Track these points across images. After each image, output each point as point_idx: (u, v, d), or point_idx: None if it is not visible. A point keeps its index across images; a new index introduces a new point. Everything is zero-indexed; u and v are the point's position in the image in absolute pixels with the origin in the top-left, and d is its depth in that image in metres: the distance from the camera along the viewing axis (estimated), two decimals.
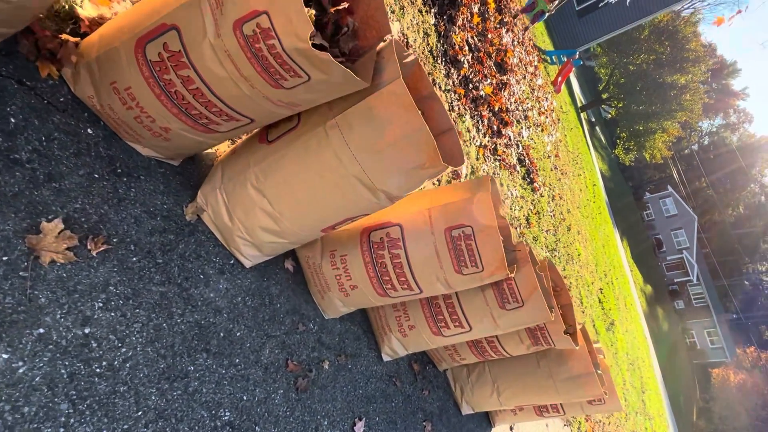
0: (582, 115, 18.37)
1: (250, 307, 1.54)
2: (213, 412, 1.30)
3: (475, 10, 4.14)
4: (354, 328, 2.00)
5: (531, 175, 5.08)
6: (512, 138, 4.75)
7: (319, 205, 1.32)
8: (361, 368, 1.97)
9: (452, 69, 3.61)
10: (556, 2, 6.76)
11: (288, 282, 1.73)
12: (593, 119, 26.99)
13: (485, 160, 3.92)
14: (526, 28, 5.71)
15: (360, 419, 1.84)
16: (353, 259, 1.63)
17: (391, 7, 2.97)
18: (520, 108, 5.36)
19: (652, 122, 20.30)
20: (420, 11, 3.37)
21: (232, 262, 1.53)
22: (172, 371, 1.24)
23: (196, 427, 1.24)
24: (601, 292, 7.57)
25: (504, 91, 4.65)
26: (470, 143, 3.70)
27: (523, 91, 5.78)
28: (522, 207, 4.58)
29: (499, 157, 4.23)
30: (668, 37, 19.40)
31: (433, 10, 3.53)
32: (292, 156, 1.27)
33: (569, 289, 5.62)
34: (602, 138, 29.68)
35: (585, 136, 14.61)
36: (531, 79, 6.55)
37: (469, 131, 3.72)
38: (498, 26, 4.95)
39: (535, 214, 4.98)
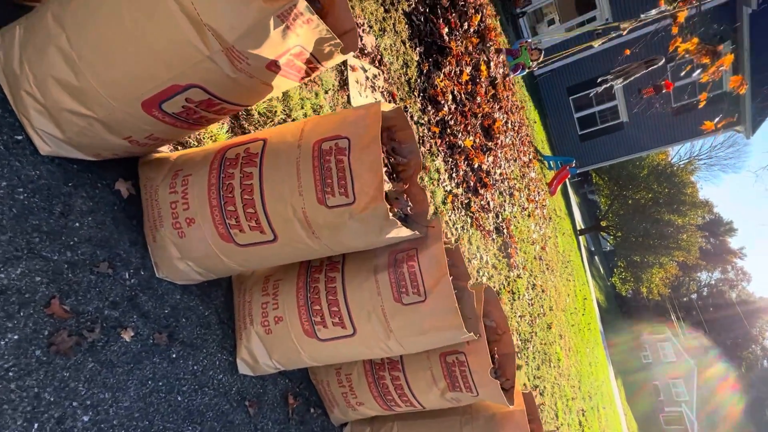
0: (581, 240, 18.43)
1: (20, 202, 1.06)
2: None
3: (467, 70, 4.17)
4: (203, 310, 1.46)
5: (508, 250, 4.66)
6: (491, 204, 4.45)
7: (129, 46, 0.94)
8: (195, 367, 1.38)
9: (429, 106, 3.46)
10: (538, 60, 6.91)
11: (112, 208, 1.27)
12: (593, 248, 27.11)
13: (454, 209, 3.56)
14: (506, 76, 5.74)
15: None
16: (197, 179, 1.19)
17: (369, 21, 2.91)
18: (505, 182, 5.16)
19: (650, 255, 20.22)
20: (404, 42, 3.33)
21: (19, 138, 1.10)
22: None
23: None
24: (583, 415, 6.55)
25: (488, 156, 4.48)
26: (438, 184, 3.38)
27: (511, 171, 5.65)
28: (492, 277, 4.08)
29: (472, 214, 3.87)
30: (666, 178, 20.28)
31: (419, 49, 3.51)
32: None
33: (542, 393, 4.81)
34: (600, 268, 29.44)
35: (582, 260, 14.32)
36: (522, 166, 6.49)
37: (438, 172, 3.43)
38: (490, 100, 4.99)
39: (509, 292, 4.44)
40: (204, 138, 1.63)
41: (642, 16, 4.27)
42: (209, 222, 1.17)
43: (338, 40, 1.01)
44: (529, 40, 6.51)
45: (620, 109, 13.32)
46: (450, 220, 3.47)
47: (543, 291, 5.90)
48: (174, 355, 1.32)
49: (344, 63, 2.52)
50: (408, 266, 1.28)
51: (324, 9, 1.19)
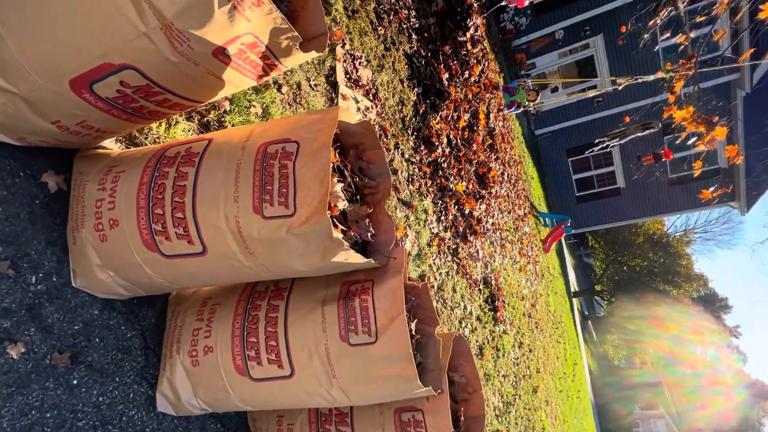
0: (575, 302, 18.03)
1: None
2: None
3: (464, 116, 4.17)
4: (126, 331, 1.26)
5: (495, 303, 4.44)
6: (480, 253, 4.29)
7: (56, 14, 0.84)
8: (100, 398, 1.16)
9: (423, 146, 3.40)
10: (534, 101, 6.96)
11: (32, 201, 1.12)
12: (586, 312, 26.53)
13: (440, 253, 3.40)
14: (499, 110, 5.75)
15: None
16: (129, 176, 1.05)
17: (368, 55, 2.91)
18: (497, 233, 5.03)
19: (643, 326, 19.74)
20: (402, 81, 3.32)
21: None
22: None
23: None
24: None
25: (480, 204, 4.39)
26: (424, 225, 3.25)
27: (504, 222, 5.55)
28: (476, 329, 3.84)
29: (459, 261, 3.71)
30: (661, 248, 20.25)
31: (417, 90, 3.50)
32: None
33: None
34: (593, 333, 28.65)
35: (575, 323, 13.94)
36: (516, 219, 6.40)
37: (426, 213, 3.31)
38: (487, 149, 4.98)
39: (493, 348, 4.17)
40: (165, 141, 1.51)
41: (640, 80, 4.37)
42: (134, 225, 1.02)
43: (295, 33, 0.91)
44: (527, 80, 6.69)
45: (617, 175, 13.49)
46: (434, 264, 3.30)
47: (530, 351, 5.60)
48: (75, 381, 1.11)
49: (335, 90, 2.47)
50: (360, 300, 1.11)
51: (295, 11, 1.10)
